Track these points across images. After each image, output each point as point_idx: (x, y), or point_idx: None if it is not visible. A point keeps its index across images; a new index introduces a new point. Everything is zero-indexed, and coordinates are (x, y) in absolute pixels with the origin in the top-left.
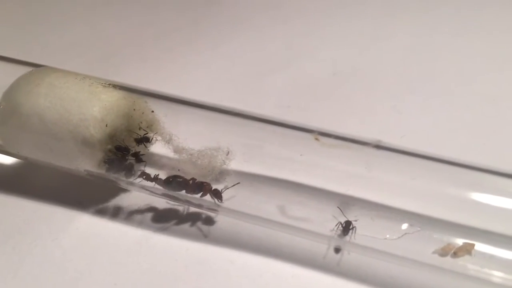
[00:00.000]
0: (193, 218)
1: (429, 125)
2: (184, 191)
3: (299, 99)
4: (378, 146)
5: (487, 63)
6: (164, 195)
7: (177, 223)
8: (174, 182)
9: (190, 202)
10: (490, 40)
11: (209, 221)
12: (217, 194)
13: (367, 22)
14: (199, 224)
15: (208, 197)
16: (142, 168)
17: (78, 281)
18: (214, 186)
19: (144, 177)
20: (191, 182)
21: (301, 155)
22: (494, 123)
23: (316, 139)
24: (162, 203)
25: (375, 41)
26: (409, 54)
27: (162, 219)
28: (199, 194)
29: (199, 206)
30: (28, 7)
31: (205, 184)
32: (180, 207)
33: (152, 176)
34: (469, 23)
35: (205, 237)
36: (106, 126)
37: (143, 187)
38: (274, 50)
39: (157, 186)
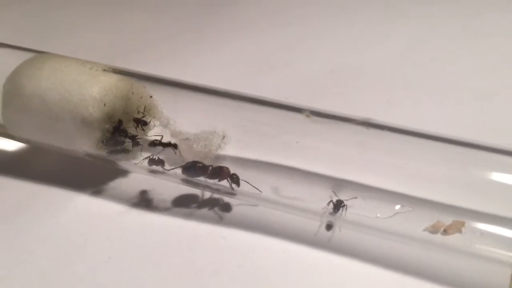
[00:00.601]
0: (191, 199)
1: (422, 118)
2: (202, 176)
3: (297, 94)
4: (368, 124)
5: (481, 63)
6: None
7: (172, 201)
8: (193, 168)
9: (197, 184)
10: (484, 42)
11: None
12: (235, 179)
13: (365, 26)
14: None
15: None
16: (140, 152)
17: (74, 255)
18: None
19: (152, 160)
20: (210, 168)
21: (296, 142)
22: (486, 116)
23: (307, 116)
24: (158, 183)
25: (372, 43)
26: (405, 55)
27: (157, 198)
28: (217, 179)
29: (214, 189)
30: (35, 15)
31: (223, 168)
32: (179, 187)
33: (156, 158)
34: (464, 27)
35: (199, 216)
36: (105, 105)
37: (142, 168)
38: (274, 51)
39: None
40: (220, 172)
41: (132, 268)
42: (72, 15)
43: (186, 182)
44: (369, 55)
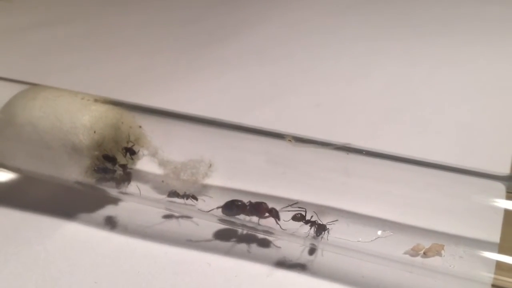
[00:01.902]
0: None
1: (405, 148)
2: (241, 213)
3: (283, 127)
4: (347, 148)
5: (459, 94)
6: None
7: (158, 229)
8: (233, 207)
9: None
10: (461, 74)
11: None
12: (274, 214)
13: (349, 62)
14: (181, 230)
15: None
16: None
17: (59, 280)
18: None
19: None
20: (248, 204)
21: (283, 173)
22: (469, 147)
23: (289, 140)
24: (145, 211)
25: (356, 78)
26: (387, 88)
27: (142, 225)
28: (257, 216)
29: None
30: (35, 56)
31: (262, 204)
32: (165, 213)
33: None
34: (442, 61)
35: (183, 242)
36: (94, 132)
37: (132, 196)
38: (261, 87)
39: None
40: (258, 208)
41: None
42: (71, 57)
43: (222, 221)
44: (353, 89)
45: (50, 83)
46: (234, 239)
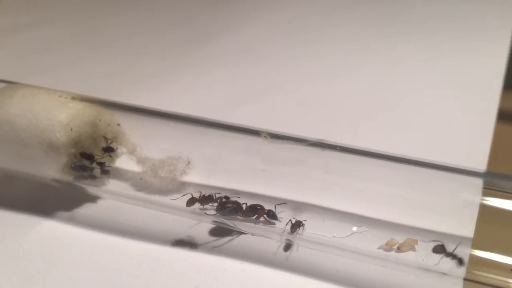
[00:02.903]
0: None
1: (385, 147)
2: (238, 216)
3: (265, 126)
4: (322, 144)
5: (439, 93)
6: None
7: (137, 226)
8: (227, 208)
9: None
10: (441, 74)
11: None
12: (272, 216)
13: (332, 61)
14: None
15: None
16: (107, 179)
17: (34, 277)
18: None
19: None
20: (244, 206)
21: (262, 170)
22: (447, 144)
23: (265, 137)
24: (123, 208)
25: (339, 77)
26: (369, 87)
27: (120, 222)
28: (254, 217)
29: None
30: (20, 56)
31: (258, 207)
32: (142, 210)
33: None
34: (423, 61)
35: (160, 239)
36: (71, 130)
37: (111, 194)
38: (243, 86)
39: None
40: (256, 210)
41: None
42: (57, 56)
43: (216, 222)
44: (336, 89)
45: (34, 82)
46: (210, 235)
